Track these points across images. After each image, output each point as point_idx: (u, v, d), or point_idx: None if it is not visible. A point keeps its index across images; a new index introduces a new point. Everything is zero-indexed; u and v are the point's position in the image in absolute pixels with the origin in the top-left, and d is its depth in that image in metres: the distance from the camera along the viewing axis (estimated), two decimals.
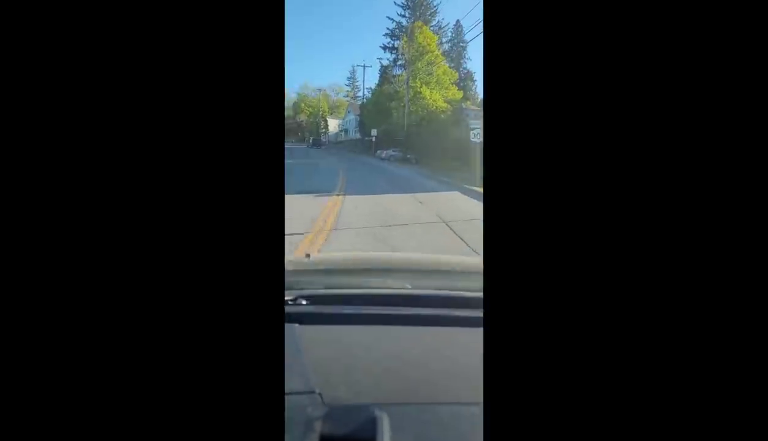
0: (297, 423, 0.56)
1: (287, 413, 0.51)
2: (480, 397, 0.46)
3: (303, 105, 68.74)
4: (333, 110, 67.20)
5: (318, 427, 0.56)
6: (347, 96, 66.05)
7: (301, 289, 1.04)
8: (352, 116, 53.76)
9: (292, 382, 0.63)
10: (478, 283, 1.01)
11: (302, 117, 69.10)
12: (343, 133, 58.10)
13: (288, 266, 0.67)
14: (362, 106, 41.19)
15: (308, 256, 1.49)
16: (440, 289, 1.13)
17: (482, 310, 0.51)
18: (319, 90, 61.92)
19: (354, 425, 0.57)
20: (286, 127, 77.47)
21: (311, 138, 59.05)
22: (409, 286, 1.17)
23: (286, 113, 75.91)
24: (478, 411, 0.48)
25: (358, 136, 47.55)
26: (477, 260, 1.29)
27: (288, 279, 0.95)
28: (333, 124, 62.69)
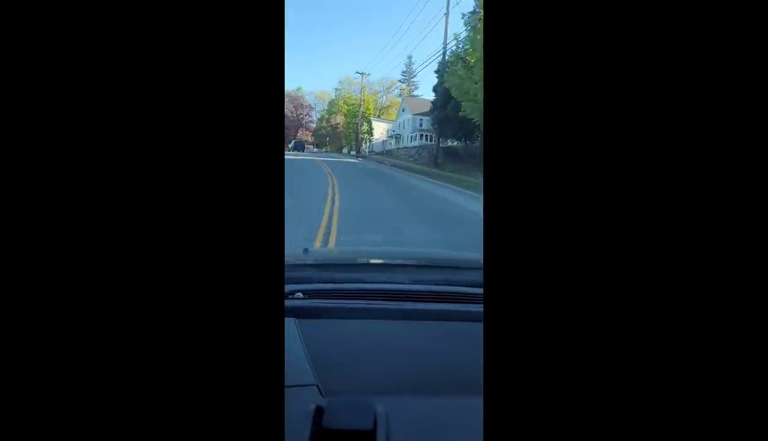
0: (297, 416, 0.58)
1: (287, 406, 0.52)
2: (479, 389, 0.47)
3: (341, 104, 51.21)
4: (381, 113, 49.62)
5: (318, 419, 0.58)
6: (401, 94, 48.26)
7: (298, 283, 1.05)
8: (407, 116, 35.79)
9: (290, 375, 0.64)
10: (477, 277, 1.08)
11: (338, 119, 51.39)
12: (392, 140, 39.83)
13: (286, 260, 0.65)
14: (443, 67, 20.29)
15: (306, 250, 1.47)
16: (438, 284, 1.14)
17: (481, 304, 0.52)
18: (361, 74, 43.57)
19: (353, 417, 0.58)
20: (316, 132, 60.46)
21: (292, 141, 41.34)
22: (407, 281, 1.18)
23: (319, 115, 59.40)
24: (477, 403, 0.48)
25: (419, 141, 29.36)
26: (476, 255, 1.30)
27: (285, 274, 0.95)
28: (380, 129, 44.76)
